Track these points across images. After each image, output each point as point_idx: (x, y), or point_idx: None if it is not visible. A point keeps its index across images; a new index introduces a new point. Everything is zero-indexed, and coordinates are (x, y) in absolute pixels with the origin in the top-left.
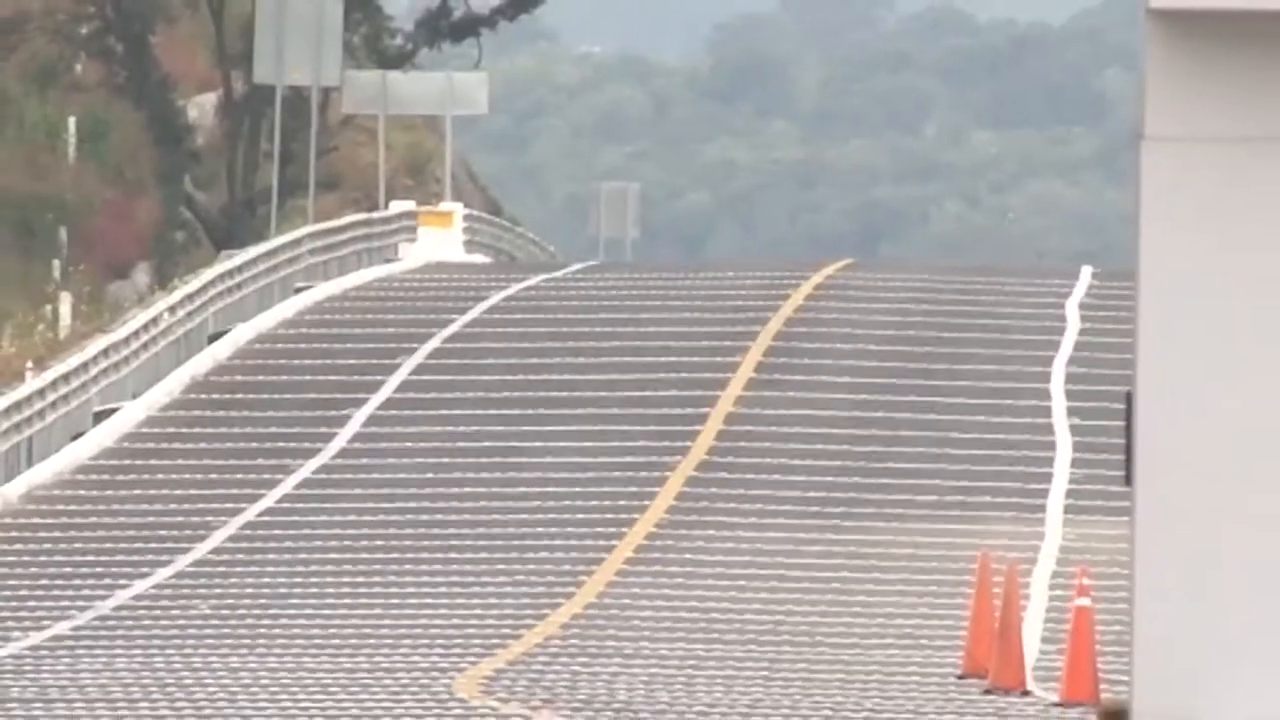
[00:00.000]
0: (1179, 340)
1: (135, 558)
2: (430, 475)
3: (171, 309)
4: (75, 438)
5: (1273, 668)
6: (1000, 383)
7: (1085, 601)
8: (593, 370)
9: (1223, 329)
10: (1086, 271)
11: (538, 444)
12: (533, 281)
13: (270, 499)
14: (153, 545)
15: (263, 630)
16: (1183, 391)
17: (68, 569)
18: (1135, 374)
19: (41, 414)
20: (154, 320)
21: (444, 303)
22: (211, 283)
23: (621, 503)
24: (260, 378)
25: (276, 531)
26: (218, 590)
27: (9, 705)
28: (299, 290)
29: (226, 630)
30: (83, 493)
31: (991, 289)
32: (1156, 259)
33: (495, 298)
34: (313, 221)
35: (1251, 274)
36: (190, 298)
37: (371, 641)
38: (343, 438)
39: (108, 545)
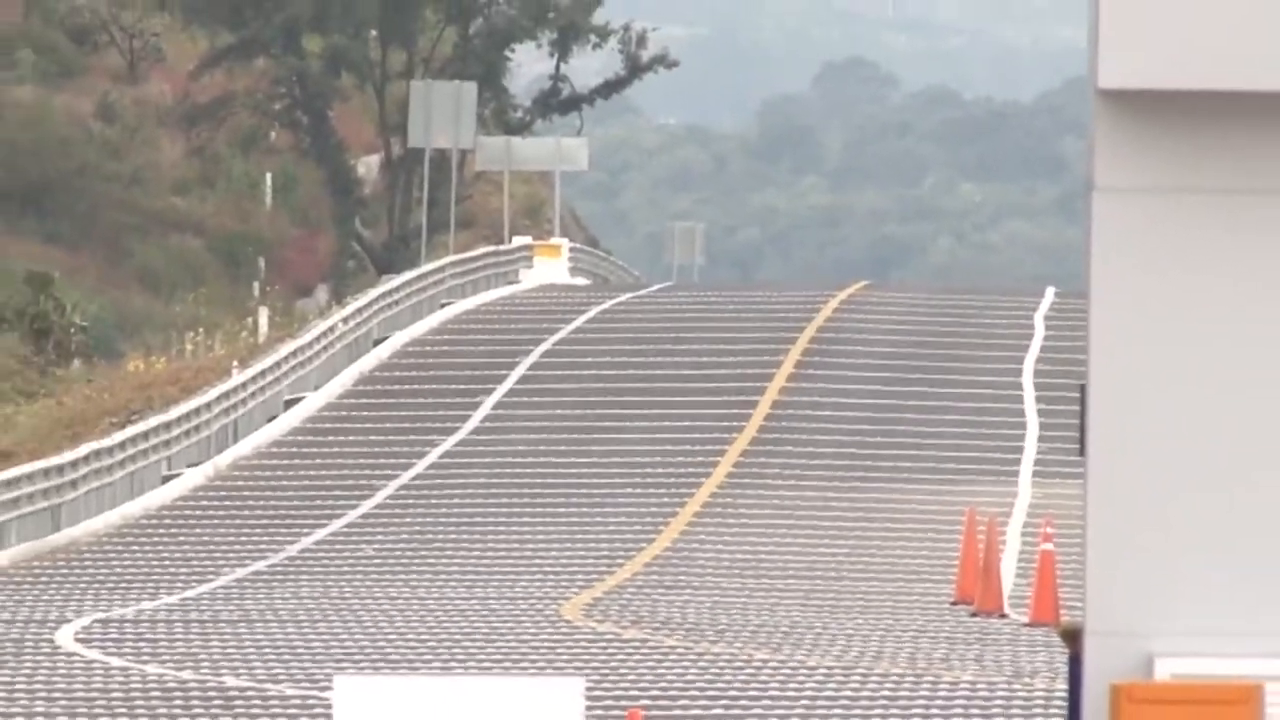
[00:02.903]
0: (1121, 346)
1: (316, 511)
2: (543, 448)
3: (344, 320)
4: (270, 420)
5: (1202, 589)
6: (983, 376)
7: (1049, 546)
8: (668, 366)
9: (1156, 338)
10: (1050, 291)
11: (626, 423)
12: (622, 298)
13: (420, 466)
14: (329, 502)
15: (414, 568)
16: (1124, 384)
17: (264, 520)
18: (1088, 370)
19: (244, 401)
20: (331, 329)
21: (554, 314)
22: (375, 300)
23: (691, 469)
24: (413, 373)
25: (425, 492)
26: (379, 537)
27: (220, 624)
28: (443, 305)
29: (386, 568)
30: (275, 462)
31: (976, 304)
32: (1104, 282)
33: (593, 311)
34: (453, 253)
35: (1180, 295)
36: (359, 311)
37: (497, 576)
38: (475, 419)
39: (295, 502)
